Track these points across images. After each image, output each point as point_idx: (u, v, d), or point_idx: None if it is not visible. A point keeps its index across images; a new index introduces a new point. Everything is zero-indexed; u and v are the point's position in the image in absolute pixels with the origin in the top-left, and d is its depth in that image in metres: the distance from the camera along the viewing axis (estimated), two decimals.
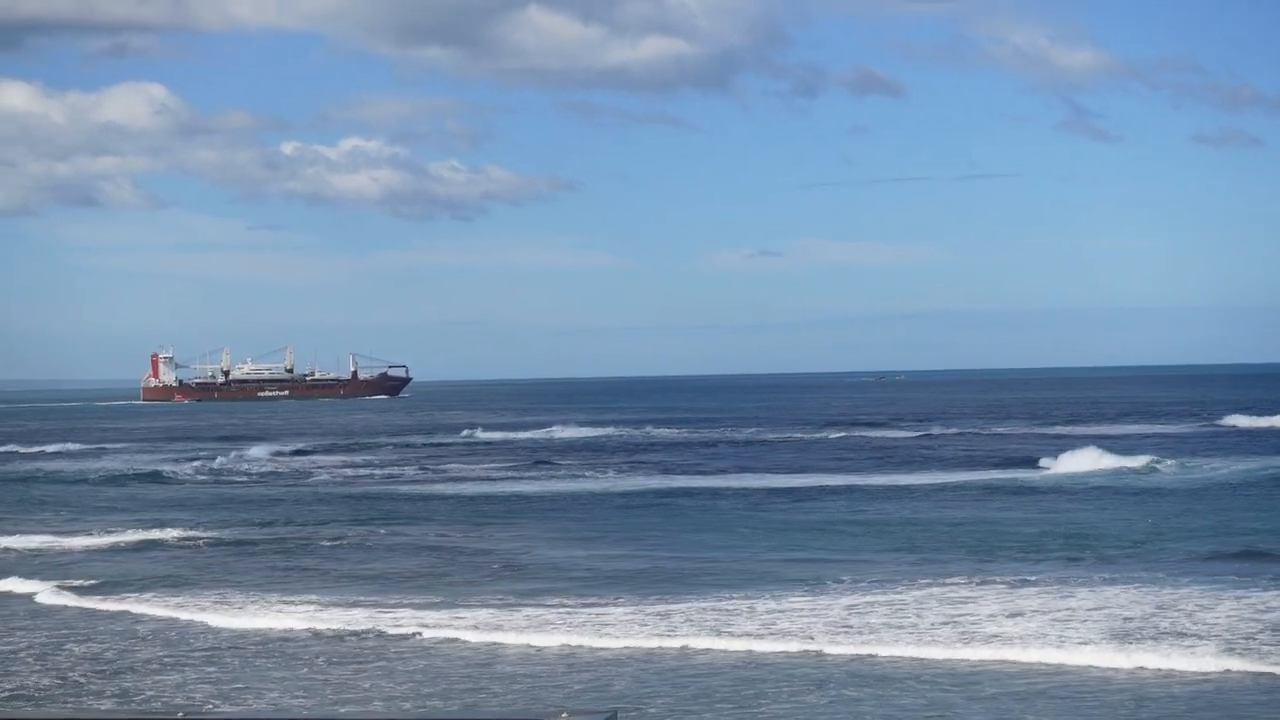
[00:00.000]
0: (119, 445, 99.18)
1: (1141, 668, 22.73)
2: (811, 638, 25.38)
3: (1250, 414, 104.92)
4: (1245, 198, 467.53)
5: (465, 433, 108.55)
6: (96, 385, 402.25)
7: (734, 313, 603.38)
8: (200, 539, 42.39)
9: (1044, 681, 22.23)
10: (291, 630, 27.52)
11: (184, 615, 29.42)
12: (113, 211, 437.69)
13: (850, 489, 55.26)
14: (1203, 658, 22.93)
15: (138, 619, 29.27)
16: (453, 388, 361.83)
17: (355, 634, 26.99)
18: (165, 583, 33.76)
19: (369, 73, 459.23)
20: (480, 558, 37.28)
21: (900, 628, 26.01)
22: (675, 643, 25.35)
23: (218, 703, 21.72)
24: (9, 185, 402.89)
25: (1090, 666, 22.95)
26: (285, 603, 30.60)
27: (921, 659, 23.75)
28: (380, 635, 26.83)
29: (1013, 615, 26.82)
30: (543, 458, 78.06)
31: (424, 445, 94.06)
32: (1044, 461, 64.35)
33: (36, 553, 39.85)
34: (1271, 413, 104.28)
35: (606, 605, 29.21)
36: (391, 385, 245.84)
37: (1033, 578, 31.25)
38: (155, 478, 67.51)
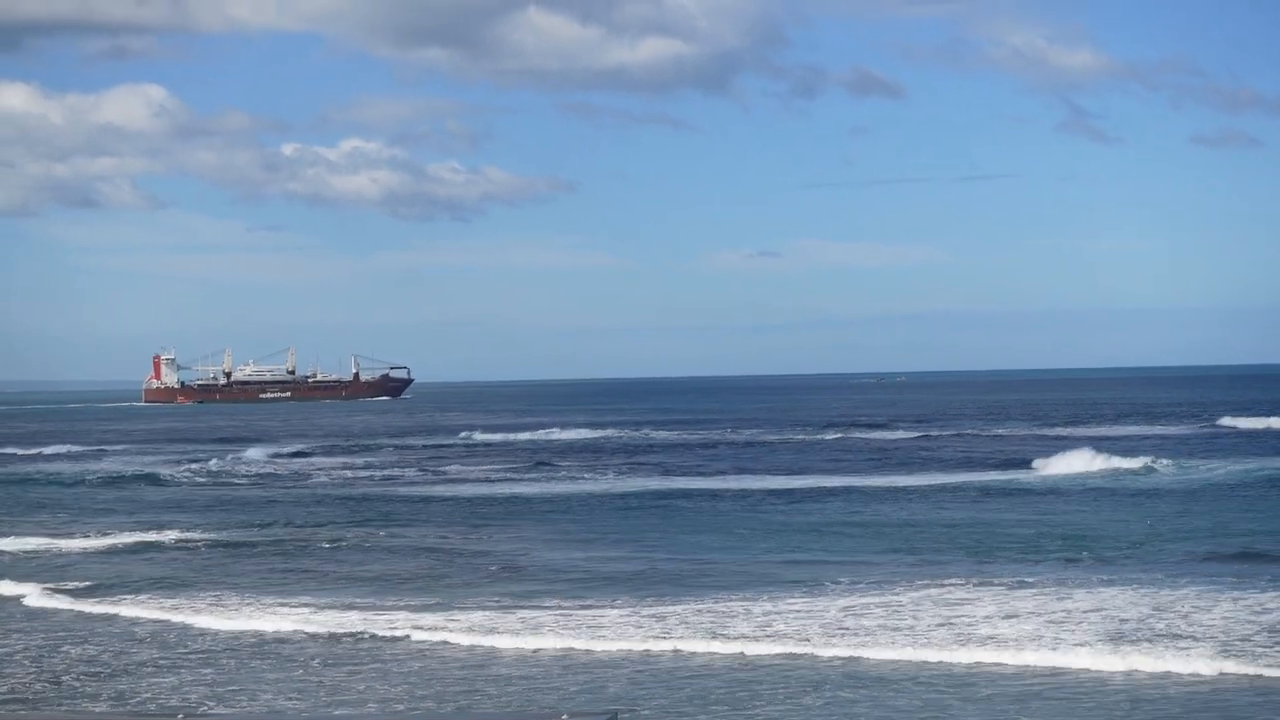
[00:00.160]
0: (119, 447, 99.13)
1: (1137, 669, 22.69)
2: (808, 639, 25.35)
3: (1248, 415, 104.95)
4: (1245, 199, 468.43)
5: (465, 434, 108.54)
6: (97, 386, 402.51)
7: (734, 314, 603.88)
8: (197, 541, 42.36)
9: (1039, 683, 22.21)
10: (287, 632, 27.50)
11: (180, 617, 29.38)
12: (112, 212, 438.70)
13: (848, 490, 55.26)
14: (1199, 659, 22.89)
15: (134, 621, 29.24)
16: (453, 389, 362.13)
17: (351, 636, 26.96)
18: (162, 585, 33.75)
19: (368, 74, 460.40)
20: (478, 559, 37.27)
21: (897, 629, 26.00)
22: (671, 645, 25.32)
23: (212, 704, 21.71)
24: (8, 186, 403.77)
25: (1086, 668, 22.92)
26: (282, 604, 30.59)
27: (917, 661, 23.72)
28: (376, 637, 26.80)
29: (1009, 617, 26.80)
30: (542, 459, 78.05)
31: (424, 447, 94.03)
32: (1037, 462, 64.24)
33: (32, 555, 39.83)
34: (1269, 414, 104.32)
35: (603, 607, 29.19)
36: (393, 386, 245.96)
37: (1030, 579, 31.23)
38: (153, 480, 67.44)
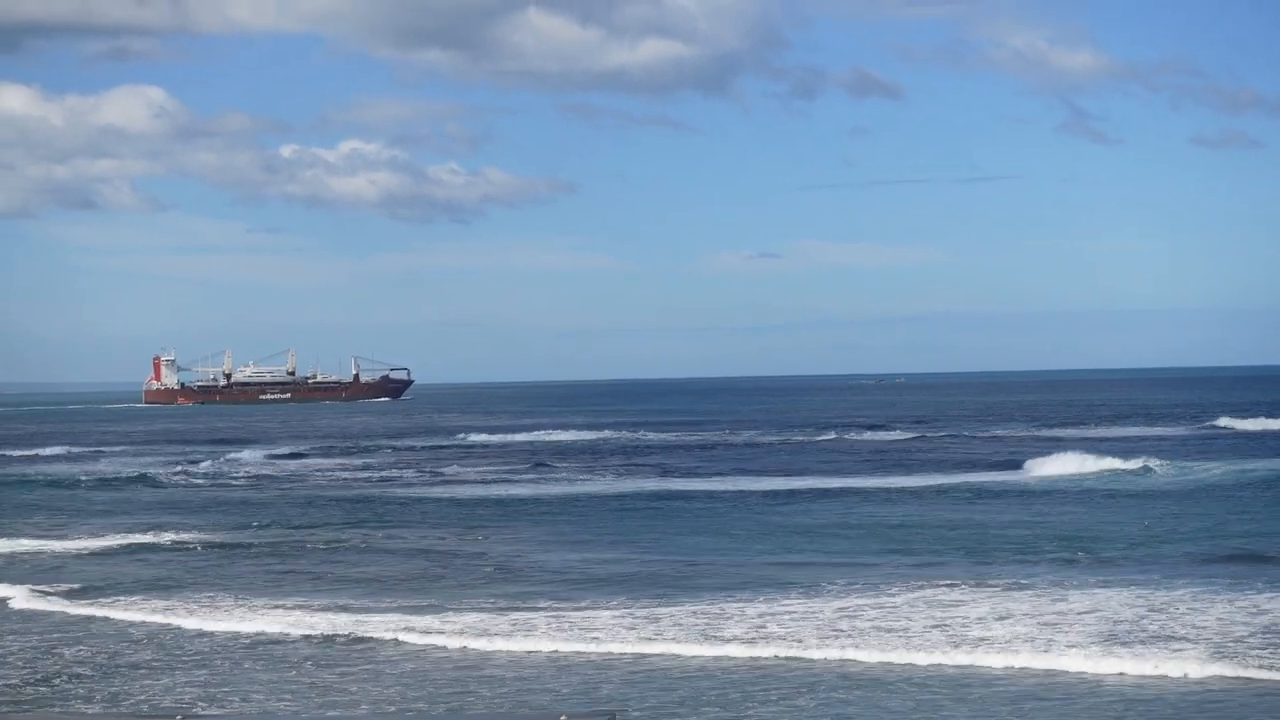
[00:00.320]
0: (116, 448, 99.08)
1: (1131, 671, 22.65)
2: (801, 640, 25.31)
3: (1245, 416, 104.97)
4: (1245, 200, 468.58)
5: (463, 435, 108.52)
6: (98, 388, 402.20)
7: (734, 314, 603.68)
8: (191, 542, 42.32)
9: (1033, 685, 22.18)
10: (280, 633, 27.45)
11: (174, 619, 29.33)
12: (112, 214, 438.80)
13: (845, 491, 55.22)
14: (1193, 661, 22.85)
15: (128, 622, 29.19)
16: (453, 390, 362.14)
17: (344, 637, 26.91)
18: (156, 586, 33.69)
19: (368, 75, 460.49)
20: (473, 561, 37.23)
21: (891, 631, 25.96)
22: (665, 646, 25.27)
23: (205, 705, 21.67)
24: (8, 188, 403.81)
25: (1080, 670, 22.89)
26: (275, 606, 30.53)
27: (912, 663, 23.68)
28: (369, 638, 26.74)
29: (1004, 618, 26.76)
30: (540, 460, 78.01)
31: (422, 448, 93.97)
32: (1032, 463, 64.11)
33: (27, 556, 39.77)
34: (1267, 415, 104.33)
35: (598, 608, 29.15)
36: (393, 388, 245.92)
37: (1026, 580, 31.19)
38: (149, 481, 67.37)
